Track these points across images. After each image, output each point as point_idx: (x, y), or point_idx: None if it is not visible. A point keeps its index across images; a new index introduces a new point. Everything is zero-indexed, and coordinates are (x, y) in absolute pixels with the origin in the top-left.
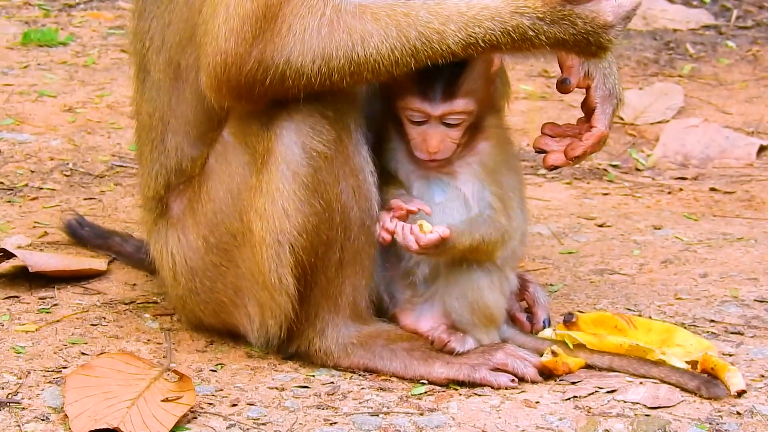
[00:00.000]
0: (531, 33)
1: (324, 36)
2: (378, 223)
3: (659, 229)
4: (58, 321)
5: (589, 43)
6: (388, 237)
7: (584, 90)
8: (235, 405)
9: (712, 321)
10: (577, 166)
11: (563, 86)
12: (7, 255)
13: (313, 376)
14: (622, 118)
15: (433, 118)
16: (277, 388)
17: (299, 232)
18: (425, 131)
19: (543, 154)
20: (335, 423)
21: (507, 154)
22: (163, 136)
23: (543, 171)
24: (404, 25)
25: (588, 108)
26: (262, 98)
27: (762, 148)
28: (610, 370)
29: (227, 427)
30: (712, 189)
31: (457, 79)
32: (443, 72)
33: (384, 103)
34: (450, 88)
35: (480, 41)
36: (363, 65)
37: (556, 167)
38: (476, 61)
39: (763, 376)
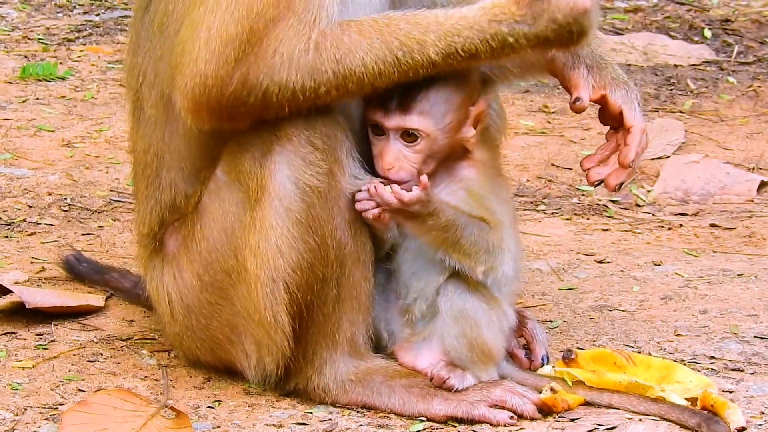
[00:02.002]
0: (511, 39)
1: (311, 56)
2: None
3: (659, 265)
4: (55, 357)
5: (572, 33)
6: (369, 204)
7: (597, 104)
8: None
9: (712, 358)
10: (576, 201)
11: (577, 105)
12: (4, 291)
13: (311, 413)
14: None
15: (389, 130)
16: (275, 425)
17: (293, 270)
18: (383, 147)
19: (602, 185)
20: None
21: (496, 185)
22: (158, 172)
23: (542, 207)
24: (386, 34)
25: (613, 114)
26: (245, 118)
27: (763, 184)
28: (610, 407)
29: None
30: (713, 225)
31: (415, 95)
32: (406, 86)
33: None
34: (406, 101)
35: (459, 51)
36: (348, 78)
37: (621, 185)
38: (447, 86)
39: (763, 413)
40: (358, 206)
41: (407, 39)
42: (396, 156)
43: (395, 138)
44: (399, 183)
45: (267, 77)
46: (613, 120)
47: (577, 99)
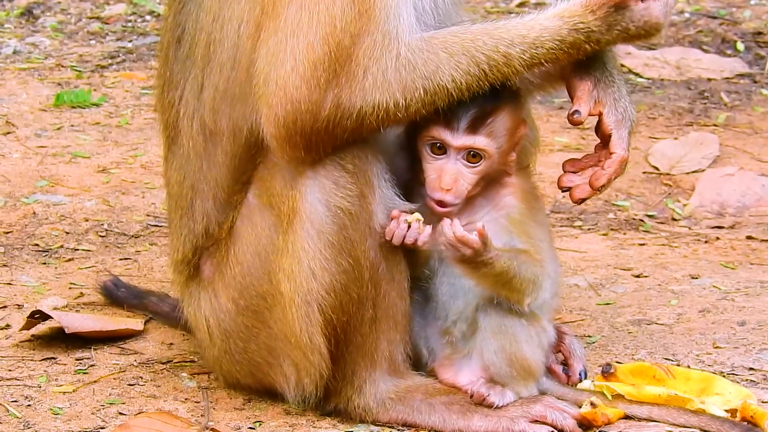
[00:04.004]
0: (587, 46)
1: (402, 75)
2: (399, 226)
3: (696, 278)
4: (95, 381)
5: (639, 38)
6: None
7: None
8: None
9: (751, 369)
10: (612, 216)
11: (574, 118)
12: (44, 316)
13: (352, 431)
14: (657, 168)
15: (453, 150)
16: None
17: (327, 292)
18: (442, 166)
19: (568, 192)
20: None
21: (533, 209)
22: (192, 202)
23: (578, 223)
24: (472, 50)
25: (603, 134)
26: (337, 142)
27: None
28: (650, 420)
29: None
30: (749, 237)
31: (484, 117)
32: (472, 106)
33: (410, 160)
34: (475, 122)
35: (542, 60)
36: (438, 94)
37: (583, 200)
38: (507, 109)
39: None
40: (396, 236)
41: (493, 53)
42: (455, 176)
43: (457, 158)
44: (447, 204)
45: (360, 98)
46: (602, 139)
47: (576, 111)
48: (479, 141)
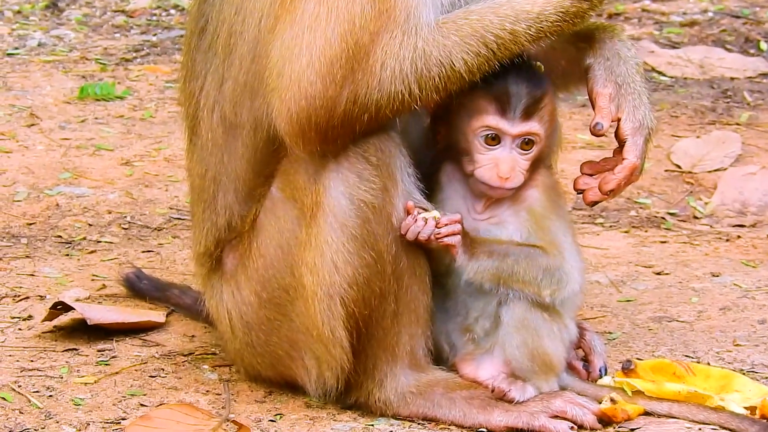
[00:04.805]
0: (591, 12)
1: (419, 65)
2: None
3: (717, 276)
4: (117, 373)
5: None
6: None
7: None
8: None
9: None
10: (634, 214)
11: (597, 130)
12: (66, 308)
13: (372, 425)
14: (679, 167)
15: (509, 138)
16: None
17: (350, 285)
18: (497, 156)
19: (582, 193)
20: None
21: (555, 203)
22: (215, 195)
23: (600, 220)
24: (481, 30)
25: (619, 140)
26: (354, 135)
27: None
28: (669, 416)
29: None
30: None
31: (536, 103)
32: (522, 95)
33: (434, 152)
34: (528, 110)
35: (547, 33)
36: (451, 79)
37: (595, 203)
38: (548, 92)
39: None
40: (414, 233)
41: (501, 32)
42: (512, 164)
43: (512, 146)
44: (507, 191)
45: (377, 91)
46: (620, 144)
47: (598, 124)
48: (534, 127)
